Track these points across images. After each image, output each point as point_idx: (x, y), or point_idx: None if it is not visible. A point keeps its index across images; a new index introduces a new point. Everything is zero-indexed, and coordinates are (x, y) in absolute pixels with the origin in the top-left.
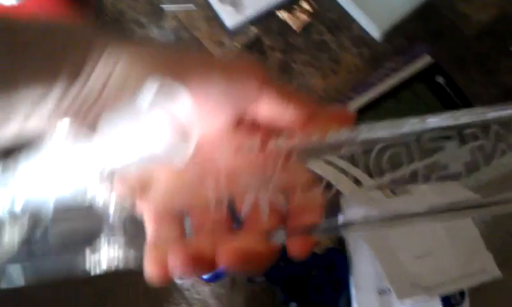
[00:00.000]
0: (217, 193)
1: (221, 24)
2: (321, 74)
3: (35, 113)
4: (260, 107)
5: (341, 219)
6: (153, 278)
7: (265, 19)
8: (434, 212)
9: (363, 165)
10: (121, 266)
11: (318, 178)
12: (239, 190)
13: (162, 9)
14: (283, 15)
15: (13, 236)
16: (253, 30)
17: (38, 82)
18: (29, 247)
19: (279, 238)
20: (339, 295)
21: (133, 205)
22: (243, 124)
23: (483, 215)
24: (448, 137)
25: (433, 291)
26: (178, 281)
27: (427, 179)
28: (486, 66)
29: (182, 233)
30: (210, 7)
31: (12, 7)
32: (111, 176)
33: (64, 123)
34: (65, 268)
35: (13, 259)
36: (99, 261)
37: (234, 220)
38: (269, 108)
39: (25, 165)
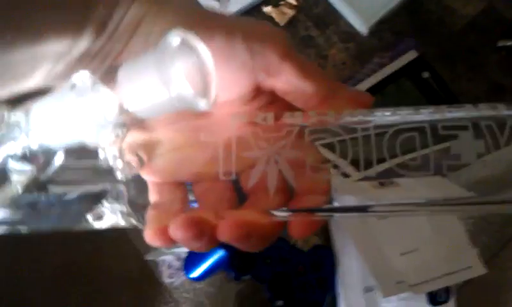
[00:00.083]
0: (225, 163)
1: None
2: None
3: (60, 65)
4: (279, 79)
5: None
6: (153, 240)
7: (250, 14)
8: (432, 204)
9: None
10: (122, 224)
11: (327, 160)
12: (247, 162)
13: None
14: (268, 9)
15: (19, 185)
16: None
17: (64, 34)
18: (35, 197)
19: (282, 216)
20: (325, 293)
21: (140, 165)
22: (260, 94)
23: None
24: (465, 127)
25: (419, 288)
26: (167, 280)
27: (438, 168)
28: (472, 61)
29: (186, 200)
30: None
31: None
32: (123, 131)
33: (84, 74)
34: (69, 220)
35: (19, 206)
36: (102, 216)
37: (238, 196)
38: (288, 80)
39: (39, 115)
